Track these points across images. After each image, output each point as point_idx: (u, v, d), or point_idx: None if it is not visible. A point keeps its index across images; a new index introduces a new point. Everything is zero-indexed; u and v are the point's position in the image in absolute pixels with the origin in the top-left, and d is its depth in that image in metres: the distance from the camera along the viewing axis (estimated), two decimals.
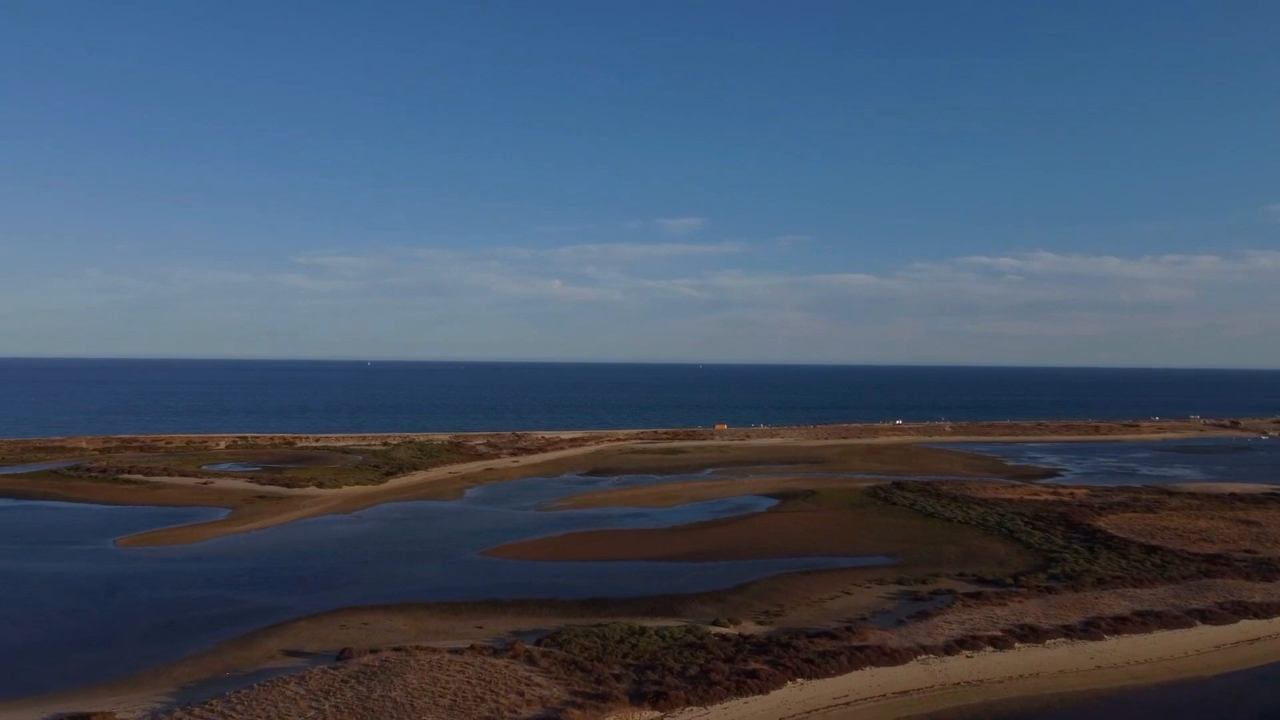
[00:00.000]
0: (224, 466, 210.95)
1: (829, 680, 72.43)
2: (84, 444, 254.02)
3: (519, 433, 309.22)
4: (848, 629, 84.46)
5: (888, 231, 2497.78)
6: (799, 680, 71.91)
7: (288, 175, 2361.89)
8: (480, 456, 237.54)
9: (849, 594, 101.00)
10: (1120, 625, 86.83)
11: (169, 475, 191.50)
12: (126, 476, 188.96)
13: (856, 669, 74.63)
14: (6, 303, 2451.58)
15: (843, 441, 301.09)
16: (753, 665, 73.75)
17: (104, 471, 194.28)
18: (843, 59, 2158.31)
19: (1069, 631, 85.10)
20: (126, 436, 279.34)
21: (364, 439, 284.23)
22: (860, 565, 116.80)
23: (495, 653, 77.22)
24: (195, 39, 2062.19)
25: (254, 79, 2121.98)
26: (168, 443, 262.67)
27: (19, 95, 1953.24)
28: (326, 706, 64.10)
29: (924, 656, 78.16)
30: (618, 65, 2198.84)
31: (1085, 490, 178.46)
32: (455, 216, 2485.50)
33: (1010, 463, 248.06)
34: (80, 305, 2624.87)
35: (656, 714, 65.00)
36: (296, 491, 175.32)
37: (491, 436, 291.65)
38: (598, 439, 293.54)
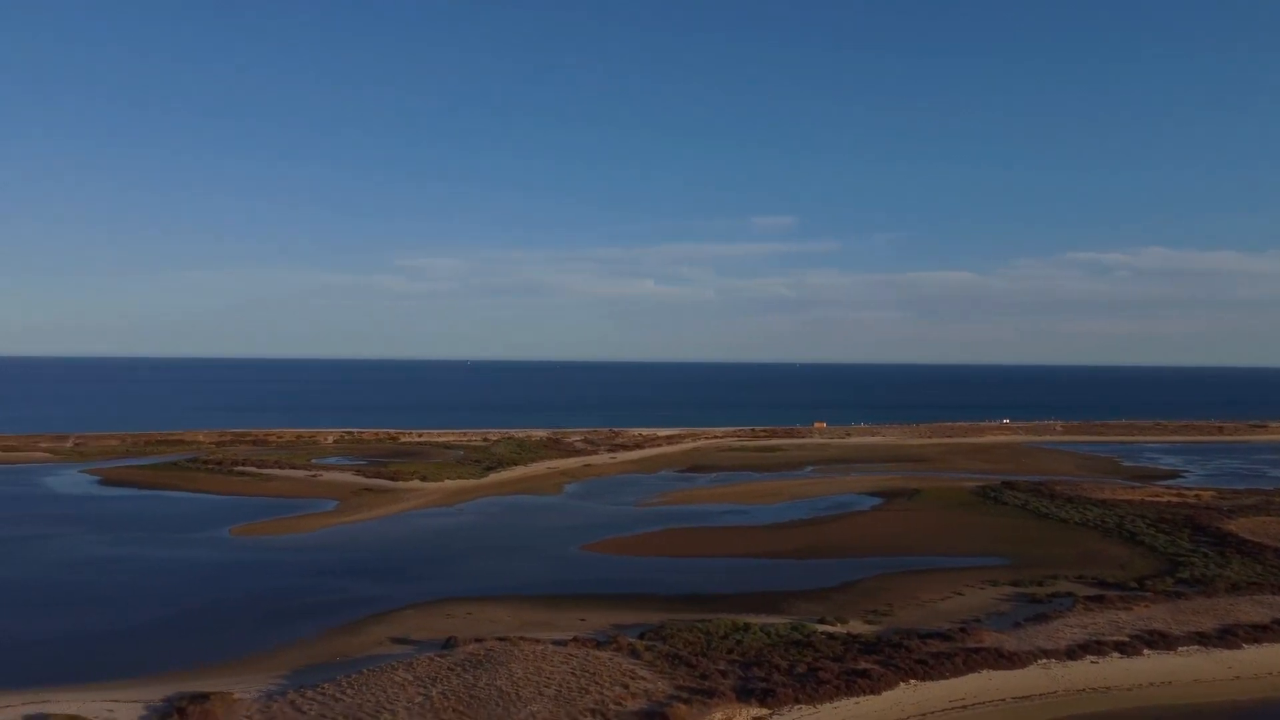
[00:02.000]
0: (331, 460, 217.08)
1: (943, 682, 69.56)
2: (200, 438, 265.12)
3: (615, 430, 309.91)
4: (961, 630, 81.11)
5: (987, 229, 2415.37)
6: (912, 681, 69.22)
7: (384, 179, 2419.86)
8: (577, 453, 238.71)
9: (960, 595, 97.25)
10: (1260, 634, 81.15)
11: (279, 468, 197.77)
12: (240, 469, 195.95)
13: (972, 671, 71.48)
14: (112, 305, 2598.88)
15: (947, 440, 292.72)
16: (863, 665, 71.32)
17: (219, 464, 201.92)
18: (920, 61, 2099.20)
19: (1203, 639, 79.93)
20: (239, 431, 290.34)
21: (464, 435, 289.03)
22: (971, 566, 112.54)
23: (598, 645, 76.57)
24: (308, 49, 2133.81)
25: (359, 85, 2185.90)
26: (278, 437, 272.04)
27: (124, 102, 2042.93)
28: (434, 693, 64.36)
29: (1044, 661, 74.42)
30: (712, 70, 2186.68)
31: (1211, 492, 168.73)
32: (546, 218, 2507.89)
33: (1127, 463, 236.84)
34: (183, 306, 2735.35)
35: (764, 711, 63.28)
36: (400, 485, 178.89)
37: (588, 433, 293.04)
38: (694, 436, 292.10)
